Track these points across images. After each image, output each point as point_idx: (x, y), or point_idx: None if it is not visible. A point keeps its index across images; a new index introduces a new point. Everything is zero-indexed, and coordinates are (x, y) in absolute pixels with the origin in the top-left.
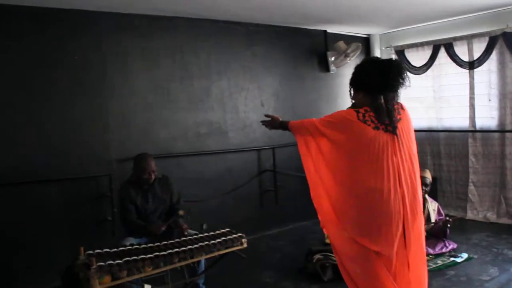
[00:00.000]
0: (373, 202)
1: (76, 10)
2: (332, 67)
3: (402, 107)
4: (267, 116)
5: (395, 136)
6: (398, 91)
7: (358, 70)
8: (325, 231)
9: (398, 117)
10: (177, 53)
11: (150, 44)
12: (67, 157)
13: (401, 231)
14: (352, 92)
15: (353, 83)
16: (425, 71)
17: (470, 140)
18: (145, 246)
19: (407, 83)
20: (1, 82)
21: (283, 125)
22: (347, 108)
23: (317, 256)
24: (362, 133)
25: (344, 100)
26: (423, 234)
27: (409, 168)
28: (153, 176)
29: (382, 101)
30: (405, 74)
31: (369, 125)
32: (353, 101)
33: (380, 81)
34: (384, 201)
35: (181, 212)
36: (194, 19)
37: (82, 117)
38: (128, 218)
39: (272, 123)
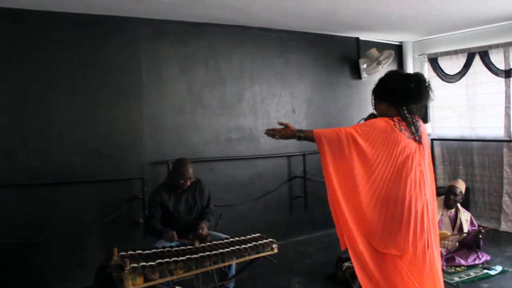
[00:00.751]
0: (400, 210)
1: (115, 17)
2: (364, 75)
3: (418, 119)
4: (281, 124)
5: (421, 146)
6: (421, 103)
7: (384, 81)
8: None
9: (420, 128)
10: (210, 59)
11: (185, 50)
12: (102, 159)
13: (425, 239)
14: (373, 102)
15: (378, 93)
16: (459, 79)
17: (505, 150)
18: (177, 248)
19: (431, 96)
20: (44, 85)
21: (300, 134)
22: (380, 117)
23: (347, 263)
24: (398, 141)
25: None
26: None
27: (431, 177)
28: (189, 183)
29: (406, 112)
30: (430, 88)
31: (404, 133)
32: (375, 111)
33: (405, 93)
34: (411, 209)
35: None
36: (228, 25)
37: (117, 120)
38: (149, 222)
39: (285, 131)
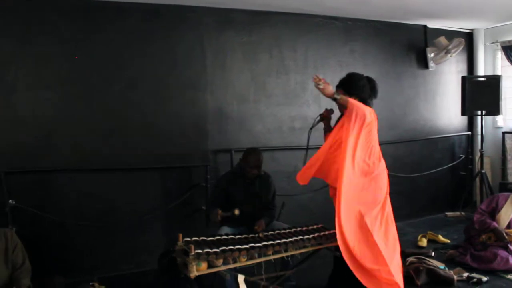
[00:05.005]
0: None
1: (179, 6)
2: (431, 64)
3: None
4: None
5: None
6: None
7: (356, 79)
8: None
9: None
10: (274, 48)
11: (249, 38)
12: (167, 147)
13: None
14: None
15: (349, 88)
16: None
17: None
18: (240, 236)
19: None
20: (112, 75)
21: (337, 97)
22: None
23: (411, 258)
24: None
25: (443, 97)
26: None
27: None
28: (257, 171)
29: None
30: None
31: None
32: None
33: (370, 92)
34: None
35: (236, 212)
36: (292, 13)
37: (182, 109)
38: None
39: (327, 86)
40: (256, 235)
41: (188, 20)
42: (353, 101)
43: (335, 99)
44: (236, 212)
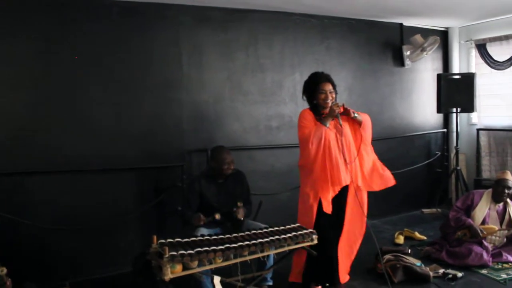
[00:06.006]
0: None
1: (155, 4)
2: (407, 62)
3: None
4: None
5: None
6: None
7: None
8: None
9: None
10: (251, 46)
11: (225, 37)
12: (142, 146)
13: None
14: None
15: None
16: (509, 67)
17: None
18: (215, 237)
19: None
20: (87, 74)
21: (357, 115)
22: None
23: (388, 256)
24: None
25: (419, 95)
26: None
27: None
28: (231, 167)
29: None
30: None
31: None
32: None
33: None
34: None
35: (217, 216)
36: (269, 11)
37: (158, 108)
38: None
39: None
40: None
41: (165, 18)
42: (364, 117)
43: (354, 117)
44: (217, 216)
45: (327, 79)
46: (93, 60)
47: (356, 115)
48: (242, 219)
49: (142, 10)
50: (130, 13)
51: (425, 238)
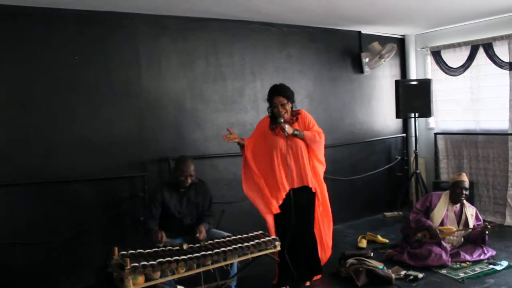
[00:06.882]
0: None
1: (114, 13)
2: (366, 69)
3: None
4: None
5: None
6: None
7: (290, 89)
8: None
9: None
10: (211, 54)
11: (185, 45)
12: (102, 157)
13: None
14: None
15: (292, 98)
16: (462, 73)
17: (510, 143)
18: (178, 248)
19: None
20: (44, 83)
21: (297, 132)
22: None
23: (351, 260)
24: None
25: (378, 101)
26: None
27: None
28: (189, 180)
29: None
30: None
31: None
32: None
33: None
34: None
35: (185, 247)
36: (228, 20)
37: (117, 117)
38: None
39: (290, 129)
40: (200, 244)
41: (123, 27)
42: (307, 133)
43: (295, 135)
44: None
45: (278, 92)
46: (51, 70)
47: (296, 132)
48: (203, 239)
49: (100, 19)
50: (88, 22)
51: (387, 241)
